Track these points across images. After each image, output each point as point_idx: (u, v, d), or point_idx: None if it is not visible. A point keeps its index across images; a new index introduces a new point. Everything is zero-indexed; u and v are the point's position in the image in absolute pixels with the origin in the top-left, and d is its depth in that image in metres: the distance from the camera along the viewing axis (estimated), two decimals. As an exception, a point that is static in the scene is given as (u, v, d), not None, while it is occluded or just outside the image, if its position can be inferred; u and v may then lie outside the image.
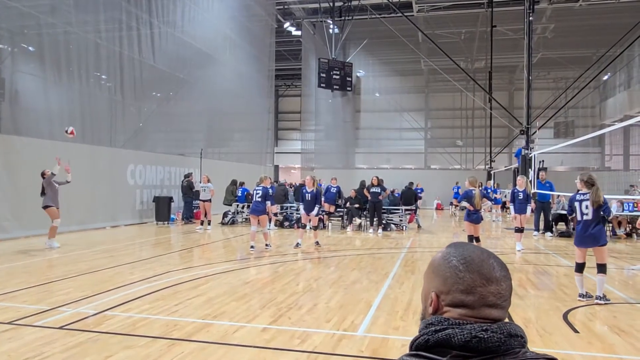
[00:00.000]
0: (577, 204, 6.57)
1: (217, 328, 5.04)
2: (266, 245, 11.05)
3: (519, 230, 11.39)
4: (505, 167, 27.84)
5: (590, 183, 6.51)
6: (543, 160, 15.20)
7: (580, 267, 6.59)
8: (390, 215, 16.37)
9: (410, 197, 17.19)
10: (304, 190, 11.89)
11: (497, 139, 28.51)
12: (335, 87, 26.99)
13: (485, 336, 0.99)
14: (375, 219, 15.07)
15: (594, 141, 30.47)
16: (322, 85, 26.31)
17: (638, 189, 15.70)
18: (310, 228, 12.39)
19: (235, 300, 6.27)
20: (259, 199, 10.76)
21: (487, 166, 28.27)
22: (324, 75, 26.18)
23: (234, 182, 18.12)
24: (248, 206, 17.47)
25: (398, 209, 16.61)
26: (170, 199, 17.14)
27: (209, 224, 15.32)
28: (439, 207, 28.97)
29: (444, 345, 1.00)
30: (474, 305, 1.05)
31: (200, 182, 15.93)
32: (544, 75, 31.20)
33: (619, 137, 33.52)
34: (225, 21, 22.64)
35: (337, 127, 32.88)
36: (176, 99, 20.00)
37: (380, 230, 14.88)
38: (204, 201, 15.32)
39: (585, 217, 6.48)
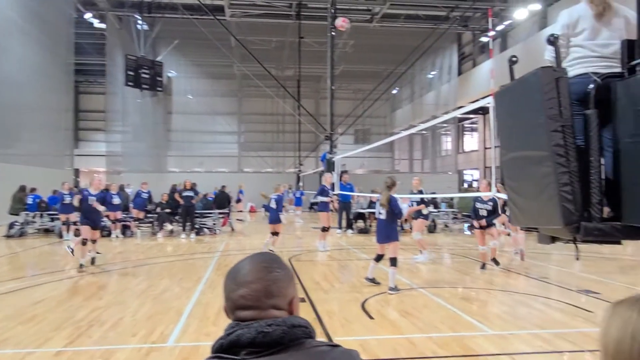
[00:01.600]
0: (376, 205, 7.41)
1: (-2, 357, 4.38)
2: (68, 247, 9.69)
3: (325, 229, 12.13)
4: (313, 170, 29.67)
5: (385, 186, 7.29)
6: (345, 164, 16.64)
7: (378, 258, 7.50)
8: (203, 219, 16.16)
9: (223, 200, 17.20)
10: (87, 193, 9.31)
11: (305, 144, 30.22)
12: (144, 86, 25.55)
13: (270, 330, 1.09)
14: (187, 224, 14.75)
15: (386, 147, 34.34)
16: (129, 83, 24.67)
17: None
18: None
19: (22, 323, 5.51)
20: None
21: (296, 169, 29.78)
22: (131, 73, 24.59)
23: (22, 189, 15.87)
24: (41, 215, 15.57)
25: (211, 213, 16.50)
26: None
27: (-10, 237, 13.17)
28: (252, 210, 29.51)
29: (236, 345, 1.09)
30: (231, 310, 1.17)
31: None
32: (346, 86, 34.11)
33: (405, 143, 38.53)
34: (10, 3, 19.74)
35: (147, 128, 31.15)
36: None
37: (192, 235, 14.60)
38: (-18, 211, 13.11)
39: (380, 217, 7.32)
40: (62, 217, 14.47)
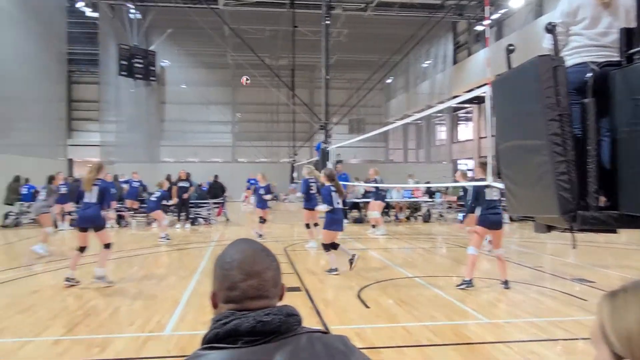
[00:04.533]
0: (333, 196, 7.58)
1: (-4, 347, 4.38)
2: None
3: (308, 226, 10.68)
4: (307, 160, 29.65)
5: (330, 177, 7.67)
6: (339, 154, 16.66)
7: (335, 246, 7.74)
8: (197, 210, 16.17)
9: (217, 190, 17.20)
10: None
11: (299, 134, 30.15)
12: (137, 76, 25.41)
13: (269, 319, 1.11)
14: (182, 214, 14.74)
15: (381, 137, 34.36)
16: (122, 73, 24.51)
17: (415, 178, 18.27)
18: None
19: (19, 312, 5.52)
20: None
21: (291, 159, 29.74)
22: (125, 62, 24.42)
23: (17, 179, 15.78)
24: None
25: (206, 203, 16.49)
26: None
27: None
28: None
29: (233, 334, 1.09)
30: (238, 300, 1.16)
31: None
32: (340, 75, 33.93)
33: (399, 133, 38.50)
34: (1, -8, 19.42)
35: (141, 118, 30.96)
36: None
37: (187, 225, 14.60)
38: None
39: (337, 205, 7.60)
40: (57, 207, 14.38)
